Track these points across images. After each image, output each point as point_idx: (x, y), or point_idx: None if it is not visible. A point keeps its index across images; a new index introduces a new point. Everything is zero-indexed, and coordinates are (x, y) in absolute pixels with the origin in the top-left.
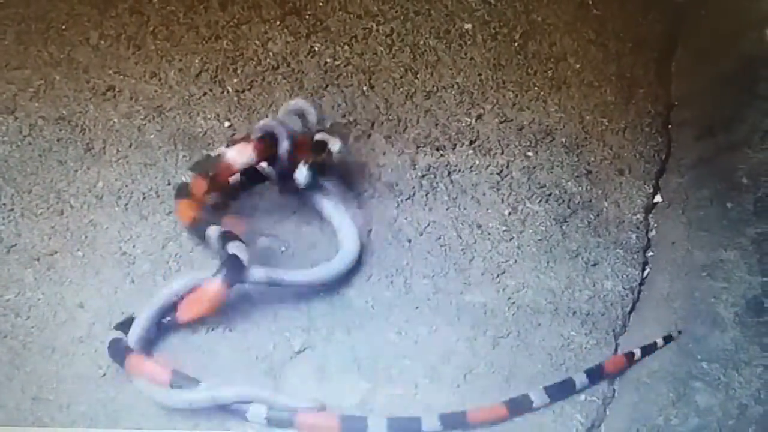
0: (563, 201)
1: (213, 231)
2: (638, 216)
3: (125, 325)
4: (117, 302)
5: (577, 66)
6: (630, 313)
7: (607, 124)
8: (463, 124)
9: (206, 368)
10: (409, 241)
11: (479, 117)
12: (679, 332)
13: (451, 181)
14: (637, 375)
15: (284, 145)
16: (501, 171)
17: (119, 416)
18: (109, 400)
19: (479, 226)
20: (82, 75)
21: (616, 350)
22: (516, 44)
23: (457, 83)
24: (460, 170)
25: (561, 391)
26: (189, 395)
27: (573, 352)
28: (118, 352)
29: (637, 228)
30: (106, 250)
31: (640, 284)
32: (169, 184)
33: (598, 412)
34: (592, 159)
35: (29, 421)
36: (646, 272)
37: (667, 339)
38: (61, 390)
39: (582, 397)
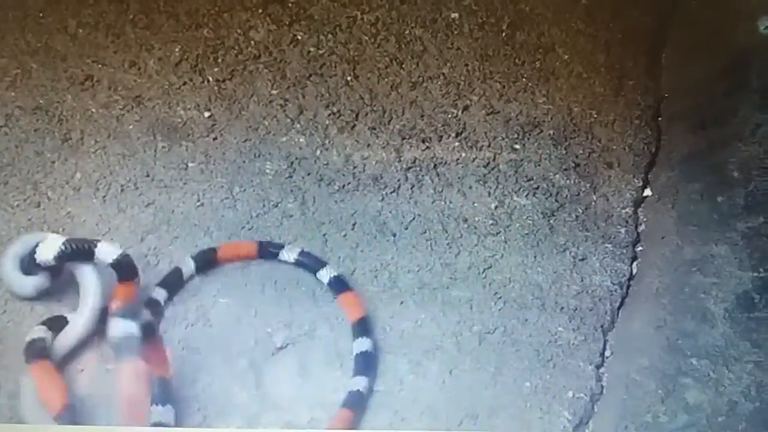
0: (551, 194)
1: None
2: (627, 210)
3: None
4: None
5: (566, 57)
6: (619, 308)
7: (595, 116)
8: (450, 116)
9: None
10: (394, 235)
11: (466, 108)
12: None
13: (437, 174)
14: (626, 371)
15: None
16: (488, 164)
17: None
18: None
19: (465, 220)
20: (59, 64)
21: (604, 346)
22: (503, 34)
23: (444, 74)
24: (446, 163)
25: None
26: None
27: (560, 348)
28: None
29: (626, 222)
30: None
31: (629, 279)
32: (147, 176)
33: (585, 409)
34: (581, 152)
35: (6, 417)
36: (635, 267)
37: None
38: None
39: (570, 394)
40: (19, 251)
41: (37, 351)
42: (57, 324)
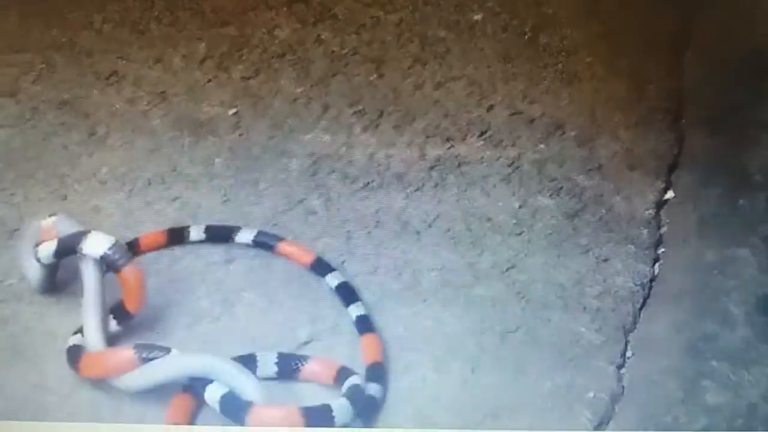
0: (574, 195)
1: None
2: (650, 212)
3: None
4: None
5: (588, 60)
6: (640, 309)
7: (618, 118)
8: (474, 116)
9: None
10: (418, 233)
11: (490, 108)
12: None
13: (461, 173)
14: (646, 372)
15: None
16: (511, 163)
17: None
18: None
19: (489, 219)
20: (85, 59)
21: (625, 347)
22: (526, 36)
23: (467, 74)
24: (470, 162)
25: None
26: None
27: (582, 348)
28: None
29: (649, 224)
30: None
31: (651, 281)
32: (174, 171)
33: (606, 410)
34: (604, 153)
35: (30, 409)
36: (657, 269)
37: None
38: (63, 378)
39: (591, 394)
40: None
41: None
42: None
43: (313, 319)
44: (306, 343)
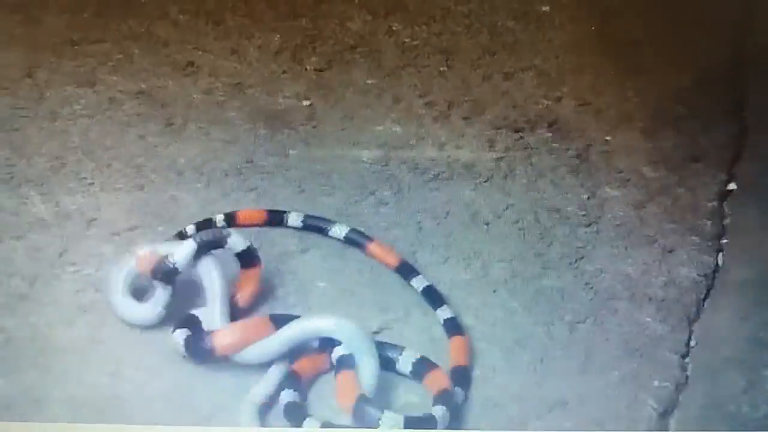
0: (641, 186)
1: None
2: (713, 203)
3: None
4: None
5: (653, 52)
6: (704, 299)
7: (683, 110)
8: (542, 107)
9: None
10: (487, 224)
11: (558, 100)
12: None
13: (530, 164)
14: (710, 362)
15: None
16: (579, 155)
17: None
18: (188, 378)
19: (557, 210)
20: (161, 49)
21: (689, 336)
22: (593, 28)
23: (535, 65)
24: (538, 153)
25: None
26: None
27: (648, 338)
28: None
29: (712, 215)
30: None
31: (715, 271)
32: (249, 162)
33: (671, 398)
34: (668, 145)
35: (106, 397)
36: (720, 259)
37: None
38: (141, 367)
39: (656, 383)
40: (125, 275)
41: None
42: (191, 323)
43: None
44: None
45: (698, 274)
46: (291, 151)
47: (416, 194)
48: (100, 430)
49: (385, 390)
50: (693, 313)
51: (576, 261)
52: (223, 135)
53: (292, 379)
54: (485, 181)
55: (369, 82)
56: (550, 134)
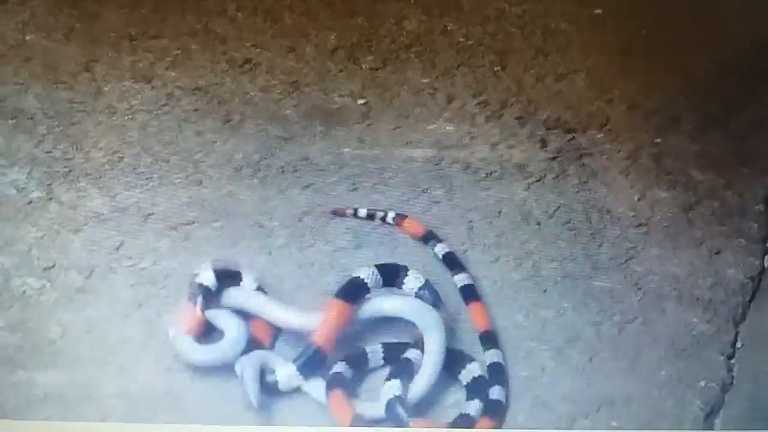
0: (689, 188)
1: None
2: (759, 206)
3: None
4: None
5: (702, 57)
6: (750, 301)
7: (730, 114)
8: (594, 108)
9: None
10: (539, 224)
11: (609, 102)
12: None
13: (582, 165)
14: (755, 363)
15: None
16: (629, 156)
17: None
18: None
19: (608, 211)
20: (219, 46)
21: (735, 337)
22: (644, 32)
23: (587, 67)
24: (590, 154)
25: None
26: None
27: (695, 339)
28: None
29: (758, 218)
30: (243, 221)
31: (761, 273)
32: (305, 159)
33: (716, 399)
34: (716, 148)
35: (160, 391)
36: (766, 262)
37: None
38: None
39: (702, 383)
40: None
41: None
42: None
43: None
44: None
45: (744, 276)
46: (345, 149)
47: (468, 193)
48: (100, 429)
49: None
50: (739, 314)
51: (625, 262)
52: (280, 132)
53: None
54: (537, 181)
55: (423, 81)
56: (601, 135)
